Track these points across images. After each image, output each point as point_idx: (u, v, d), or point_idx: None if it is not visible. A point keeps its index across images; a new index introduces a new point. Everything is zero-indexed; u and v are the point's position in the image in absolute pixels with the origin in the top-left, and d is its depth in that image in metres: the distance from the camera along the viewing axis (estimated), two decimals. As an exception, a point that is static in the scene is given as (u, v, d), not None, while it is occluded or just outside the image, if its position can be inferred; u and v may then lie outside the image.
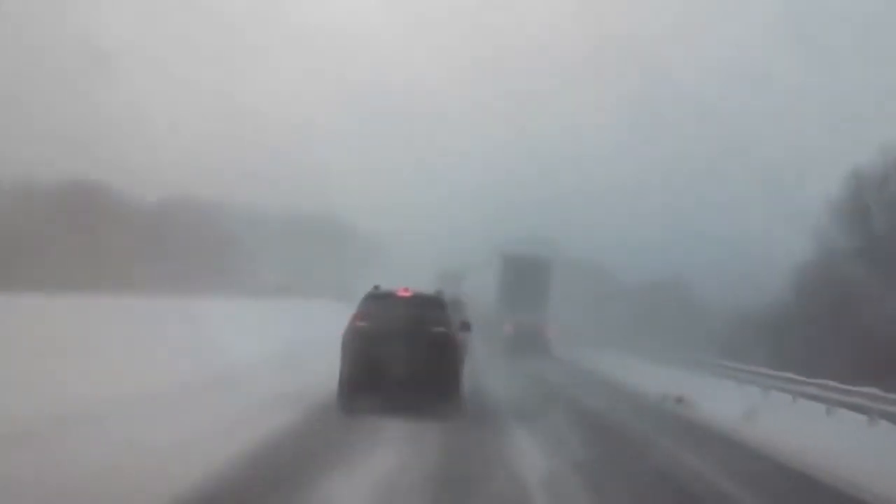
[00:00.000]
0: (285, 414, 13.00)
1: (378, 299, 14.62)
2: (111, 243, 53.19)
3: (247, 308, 28.73)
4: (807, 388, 21.63)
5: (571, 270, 63.77)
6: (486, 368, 25.80)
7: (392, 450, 11.26)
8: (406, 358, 13.85)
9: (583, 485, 10.14)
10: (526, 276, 39.66)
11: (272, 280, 61.65)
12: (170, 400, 13.17)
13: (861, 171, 33.34)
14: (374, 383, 13.98)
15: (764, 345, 33.92)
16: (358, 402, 14.11)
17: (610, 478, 11.04)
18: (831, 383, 20.24)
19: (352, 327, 14.20)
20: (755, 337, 35.80)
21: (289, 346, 22.48)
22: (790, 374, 23.12)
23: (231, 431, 11.28)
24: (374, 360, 13.86)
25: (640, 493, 10.32)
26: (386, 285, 15.11)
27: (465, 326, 16.12)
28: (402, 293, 14.69)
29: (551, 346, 36.83)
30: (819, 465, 12.71)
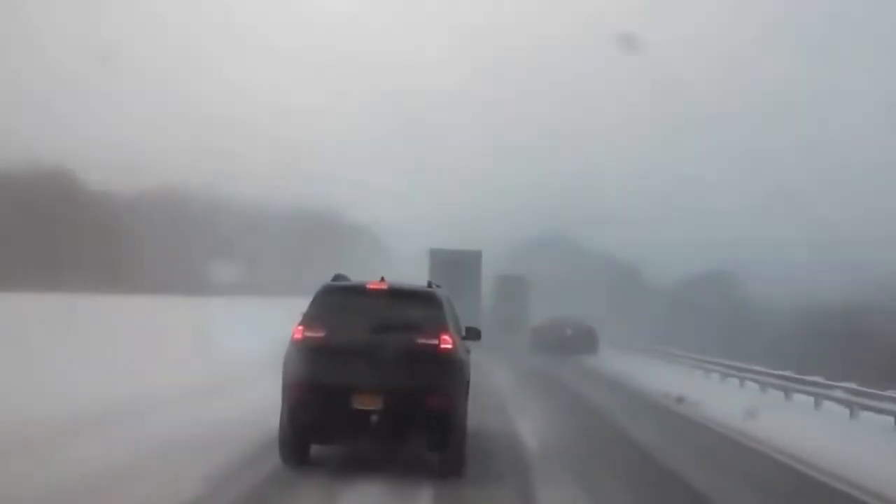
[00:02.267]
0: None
1: (337, 296, 9.75)
2: (64, 236, 49.13)
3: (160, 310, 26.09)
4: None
5: (596, 267, 61.31)
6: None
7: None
8: (379, 387, 9.05)
9: None
10: (454, 269, 39.48)
11: (228, 277, 58.05)
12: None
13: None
14: (330, 426, 9.16)
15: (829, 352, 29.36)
16: (306, 452, 9.61)
17: None
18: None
19: (297, 341, 9.32)
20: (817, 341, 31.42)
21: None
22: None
23: None
24: (331, 390, 9.03)
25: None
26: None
27: (473, 334, 11.02)
28: (373, 286, 9.77)
29: (598, 345, 38.83)
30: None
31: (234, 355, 21.03)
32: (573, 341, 38.03)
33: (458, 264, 40.25)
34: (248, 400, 13.45)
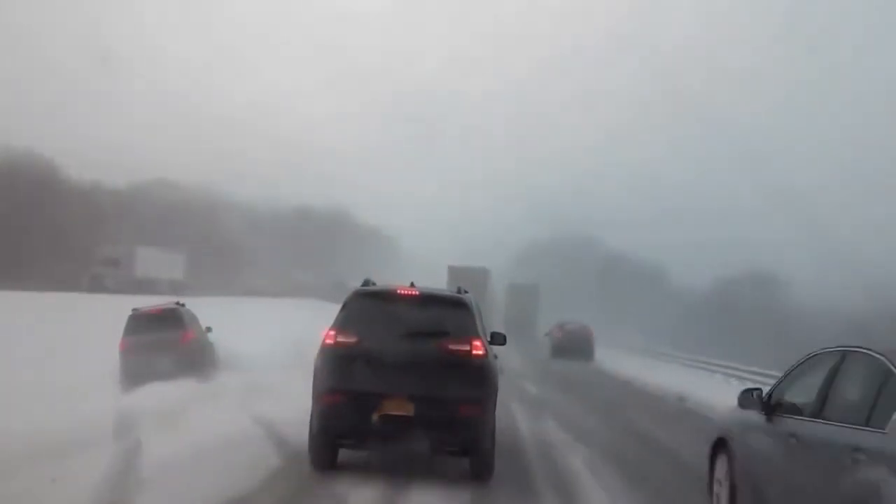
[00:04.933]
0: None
1: (368, 302, 10.10)
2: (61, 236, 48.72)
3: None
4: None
5: (609, 268, 63.15)
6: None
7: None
8: (411, 393, 9.52)
9: None
10: (467, 282, 43.37)
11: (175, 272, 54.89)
12: None
13: None
14: (361, 432, 9.55)
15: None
16: (335, 456, 10.13)
17: None
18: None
19: (326, 347, 9.66)
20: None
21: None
22: None
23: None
24: (362, 396, 9.42)
25: None
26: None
27: (499, 338, 11.26)
28: (404, 292, 10.10)
29: (594, 350, 40.50)
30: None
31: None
32: (571, 345, 40.39)
33: (470, 278, 45.63)
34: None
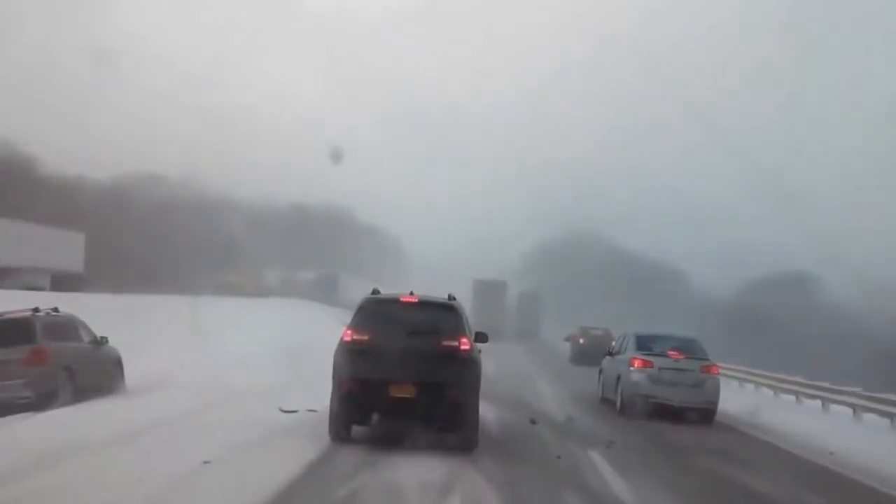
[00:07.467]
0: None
1: (377, 307, 13.08)
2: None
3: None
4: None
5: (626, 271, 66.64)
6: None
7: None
8: (413, 379, 12.52)
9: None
10: (489, 292, 58.83)
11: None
12: None
13: None
14: (372, 410, 12.62)
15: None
16: (350, 432, 13.11)
17: None
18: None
19: (344, 343, 12.69)
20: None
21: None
22: None
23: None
24: (373, 383, 12.45)
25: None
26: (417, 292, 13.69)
27: (481, 337, 14.20)
28: (406, 299, 13.07)
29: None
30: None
31: None
32: (594, 351, 39.75)
33: (491, 289, 58.50)
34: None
